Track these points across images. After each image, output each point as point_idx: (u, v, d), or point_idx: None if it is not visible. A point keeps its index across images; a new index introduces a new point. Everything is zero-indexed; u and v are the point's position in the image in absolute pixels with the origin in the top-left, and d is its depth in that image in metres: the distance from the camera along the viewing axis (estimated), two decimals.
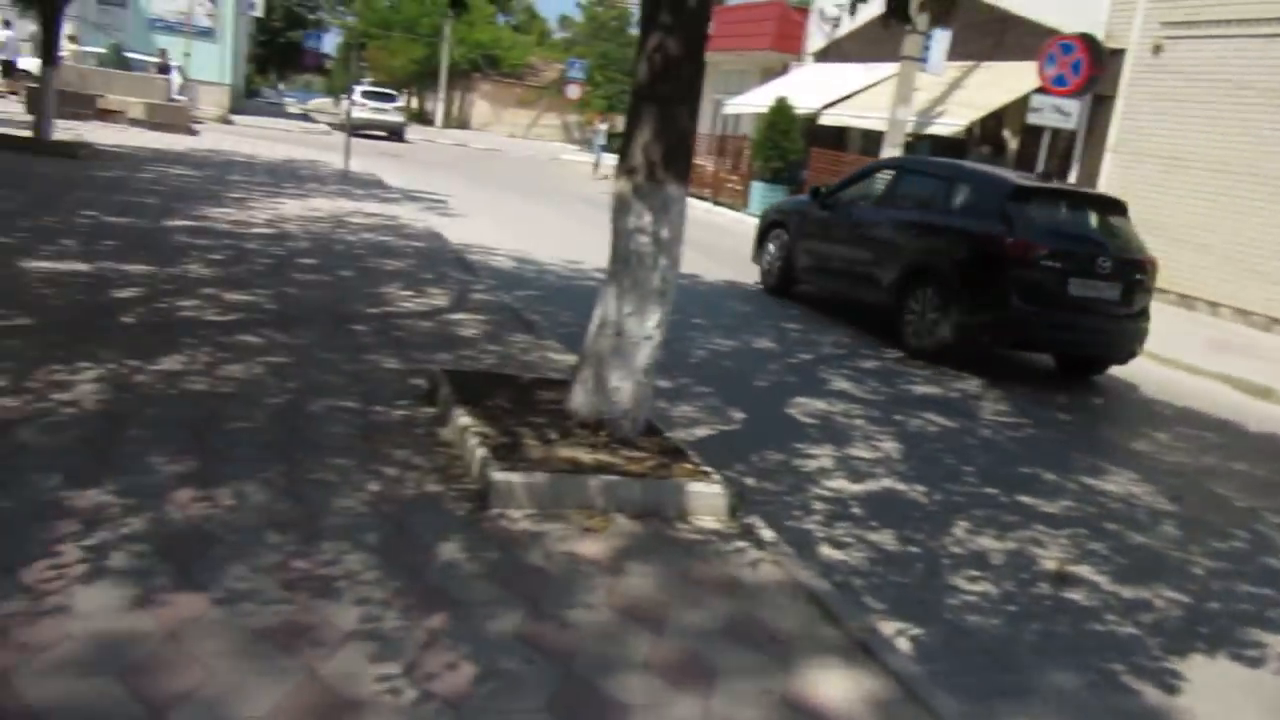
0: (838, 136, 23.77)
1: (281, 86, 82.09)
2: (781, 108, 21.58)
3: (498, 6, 67.11)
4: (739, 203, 22.87)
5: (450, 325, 6.80)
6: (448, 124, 54.99)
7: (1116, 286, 8.51)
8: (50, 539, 3.00)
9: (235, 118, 31.87)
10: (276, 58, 71.26)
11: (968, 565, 4.35)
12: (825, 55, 25.54)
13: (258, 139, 23.61)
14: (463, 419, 4.32)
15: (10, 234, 7.51)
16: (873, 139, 23.89)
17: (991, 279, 8.38)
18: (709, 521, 3.98)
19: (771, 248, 11.26)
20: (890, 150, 17.76)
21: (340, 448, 4.13)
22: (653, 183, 4.35)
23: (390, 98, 37.84)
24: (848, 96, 21.55)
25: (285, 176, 15.37)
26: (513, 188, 20.83)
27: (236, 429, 4.15)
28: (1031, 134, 16.90)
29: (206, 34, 34.91)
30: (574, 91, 42.86)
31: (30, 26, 26.90)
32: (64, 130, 14.49)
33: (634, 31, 67.40)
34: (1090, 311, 8.49)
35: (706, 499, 4.04)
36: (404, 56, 58.28)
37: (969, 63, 19.16)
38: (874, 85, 21.44)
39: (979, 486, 5.52)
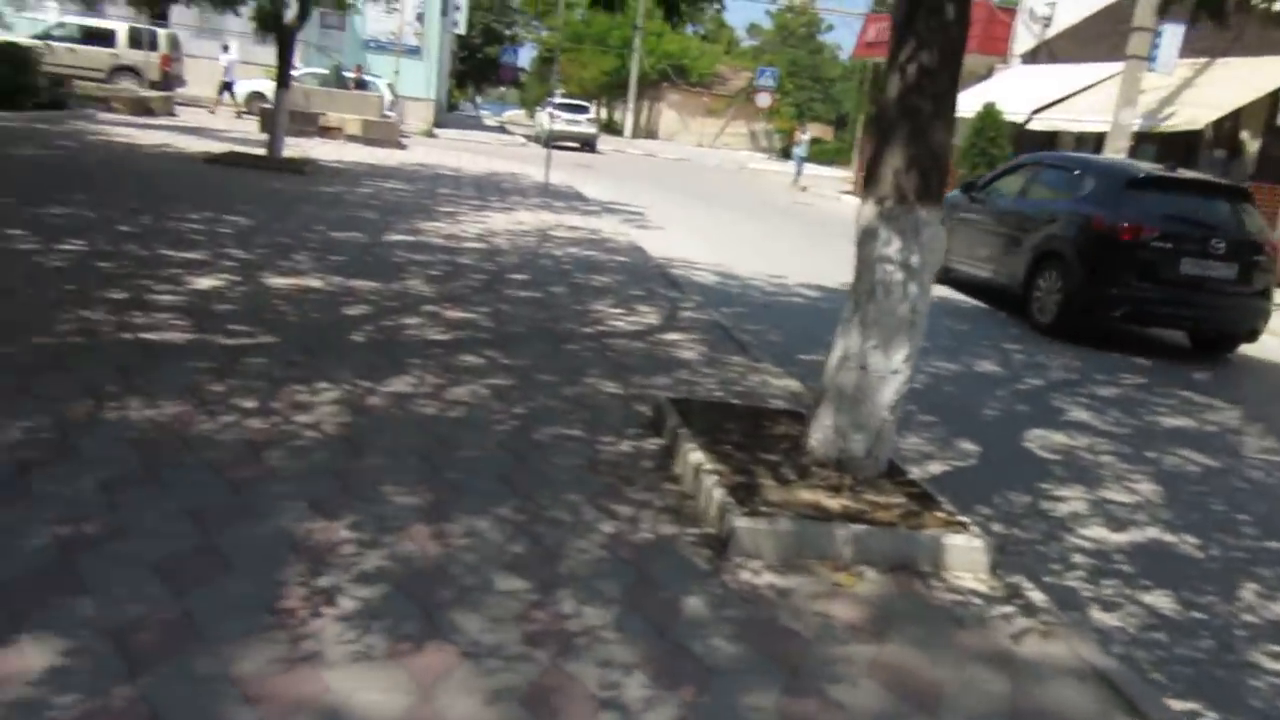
0: (1048, 142, 22.46)
1: (479, 100, 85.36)
2: (989, 113, 20.57)
3: (687, 17, 67.61)
4: None
5: (664, 345, 6.64)
6: (636, 134, 55.65)
7: (1232, 266, 9.27)
8: (300, 574, 2.97)
9: (438, 131, 33.21)
10: (474, 72, 74.27)
11: (1267, 638, 3.79)
12: (1034, 57, 24.22)
13: (460, 152, 24.47)
14: (694, 455, 4.10)
15: (252, 250, 7.88)
16: (1086, 143, 22.48)
17: (1106, 259, 9.31)
18: (967, 579, 3.61)
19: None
20: (1112, 155, 16.56)
21: (570, 481, 3.99)
22: (902, 205, 4.02)
23: (583, 109, 38.57)
24: (1061, 99, 20.31)
25: (490, 190, 15.76)
26: (706, 199, 20.71)
27: (467, 458, 4.08)
28: (1275, 136, 15.40)
29: (414, 52, 36.63)
30: (764, 100, 42.48)
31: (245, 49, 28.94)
32: (291, 147, 15.35)
33: (824, 39, 66.38)
34: (1203, 289, 9.27)
35: (965, 554, 3.66)
36: (595, 68, 59.49)
37: (1201, 59, 17.67)
38: (1091, 87, 20.11)
39: (1260, 540, 4.89)
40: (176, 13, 30.80)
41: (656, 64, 58.20)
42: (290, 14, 14.00)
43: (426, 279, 7.74)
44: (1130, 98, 16.33)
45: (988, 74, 26.03)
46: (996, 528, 4.48)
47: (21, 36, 25.48)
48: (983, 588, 3.57)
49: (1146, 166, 10.77)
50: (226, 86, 27.46)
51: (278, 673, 2.50)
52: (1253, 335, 9.75)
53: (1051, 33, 23.66)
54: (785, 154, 51.10)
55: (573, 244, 10.85)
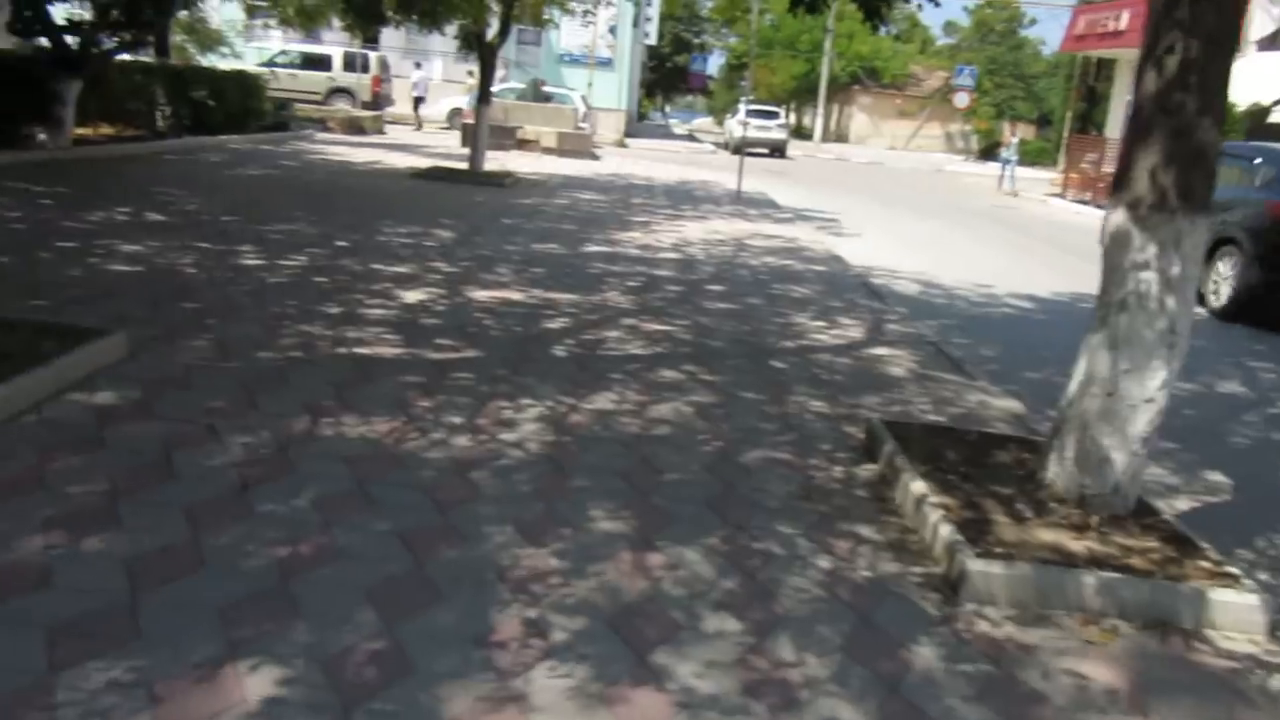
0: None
1: (667, 109, 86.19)
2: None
3: (877, 17, 65.80)
4: None
5: (870, 361, 6.30)
6: (826, 138, 54.69)
7: None
8: (508, 604, 2.87)
9: (629, 141, 33.65)
10: (663, 82, 75.08)
11: None
12: (1274, 42, 22.10)
13: (651, 161, 24.64)
14: (916, 485, 3.79)
15: (456, 262, 8.06)
16: None
17: (1276, 243, 9.54)
18: (1240, 641, 3.14)
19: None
20: None
21: (780, 510, 3.76)
22: (1162, 212, 3.57)
23: (774, 115, 38.17)
24: None
25: (682, 198, 15.71)
26: (902, 204, 19.96)
27: (672, 481, 3.92)
28: None
29: (606, 64, 37.27)
30: (962, 100, 40.85)
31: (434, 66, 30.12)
32: (491, 160, 15.79)
33: (1026, 33, 63.26)
34: None
35: (1237, 612, 3.20)
36: (784, 73, 58.85)
37: None
38: None
39: None
40: (386, 35, 32.51)
41: (847, 67, 57.04)
42: (491, 32, 14.41)
43: (624, 290, 7.69)
44: None
45: None
46: (1261, 576, 3.93)
47: (249, 64, 27.54)
48: (1260, 652, 3.10)
49: None
50: (418, 102, 28.72)
51: (486, 712, 2.39)
52: None
53: None
54: (985, 155, 49.00)
55: (768, 253, 10.60)
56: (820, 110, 55.98)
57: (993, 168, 35.88)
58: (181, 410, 4.04)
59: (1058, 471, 3.80)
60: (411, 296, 6.61)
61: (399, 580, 2.94)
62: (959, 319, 8.67)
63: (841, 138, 57.63)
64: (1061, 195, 25.82)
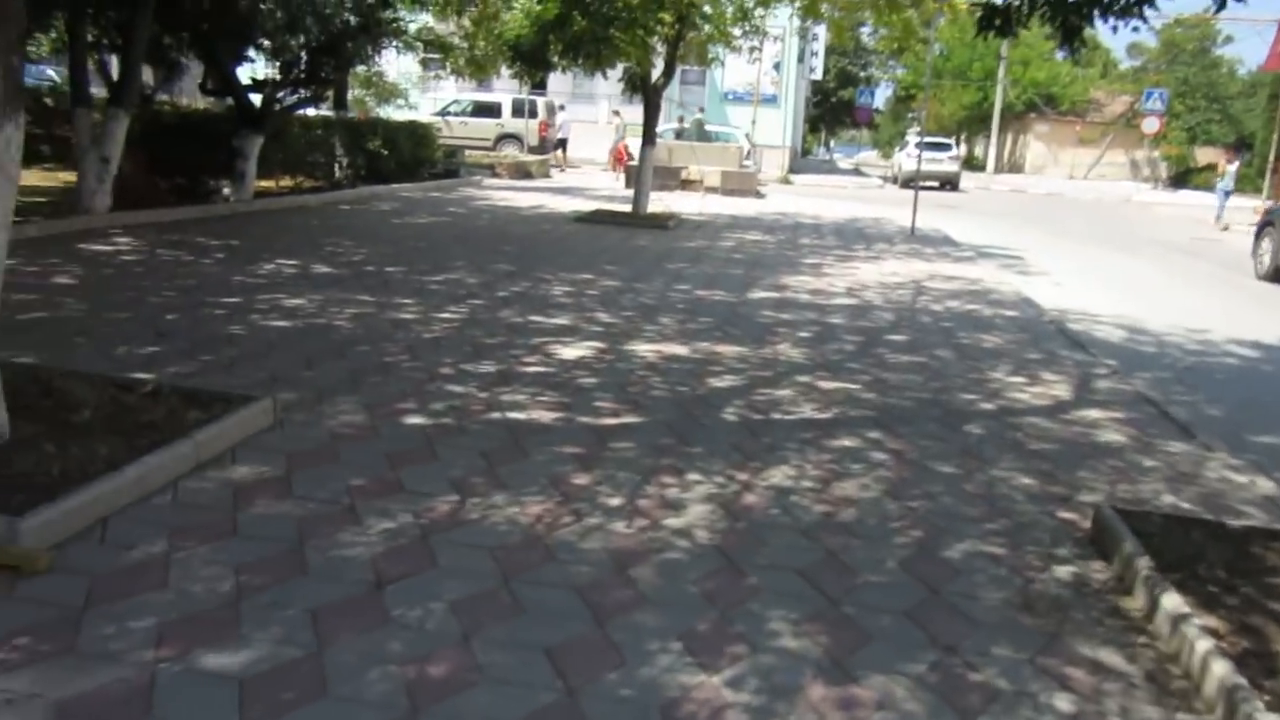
0: None
1: (832, 144, 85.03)
2: None
3: (1077, 39, 62.66)
4: None
5: (1082, 426, 5.51)
6: (999, 169, 52.47)
7: None
8: None
9: (794, 177, 33.03)
10: (827, 116, 74.04)
11: None
12: None
13: (817, 198, 23.96)
14: (1170, 600, 3.08)
15: (617, 313, 7.69)
16: None
17: None
18: None
19: (1265, 242, 13.72)
20: None
21: (999, 626, 3.12)
22: None
23: (945, 147, 36.88)
24: None
25: (852, 237, 15.01)
26: (1089, 238, 18.55)
27: (864, 584, 3.34)
28: None
29: (771, 101, 36.87)
30: (1152, 124, 38.22)
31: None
32: (654, 201, 15.52)
33: (1221, 52, 59.24)
34: None
35: None
36: (954, 103, 56.97)
37: None
38: None
39: None
40: (554, 81, 33.17)
41: (1022, 94, 54.76)
42: (656, 73, 14.19)
43: (796, 342, 7.13)
44: None
45: None
46: None
47: (424, 115, 28.50)
48: None
49: None
50: (561, 144, 28.73)
51: None
52: None
53: None
54: (1176, 182, 45.81)
55: (951, 296, 9.81)
56: (993, 140, 53.85)
57: (1187, 197, 33.42)
58: (322, 488, 3.74)
59: None
60: (570, 352, 6.25)
61: (546, 713, 2.48)
62: (1174, 371, 7.69)
63: (1016, 168, 55.23)
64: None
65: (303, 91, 13.66)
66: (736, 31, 13.75)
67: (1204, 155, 50.50)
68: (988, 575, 3.47)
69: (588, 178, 25.42)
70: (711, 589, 3.20)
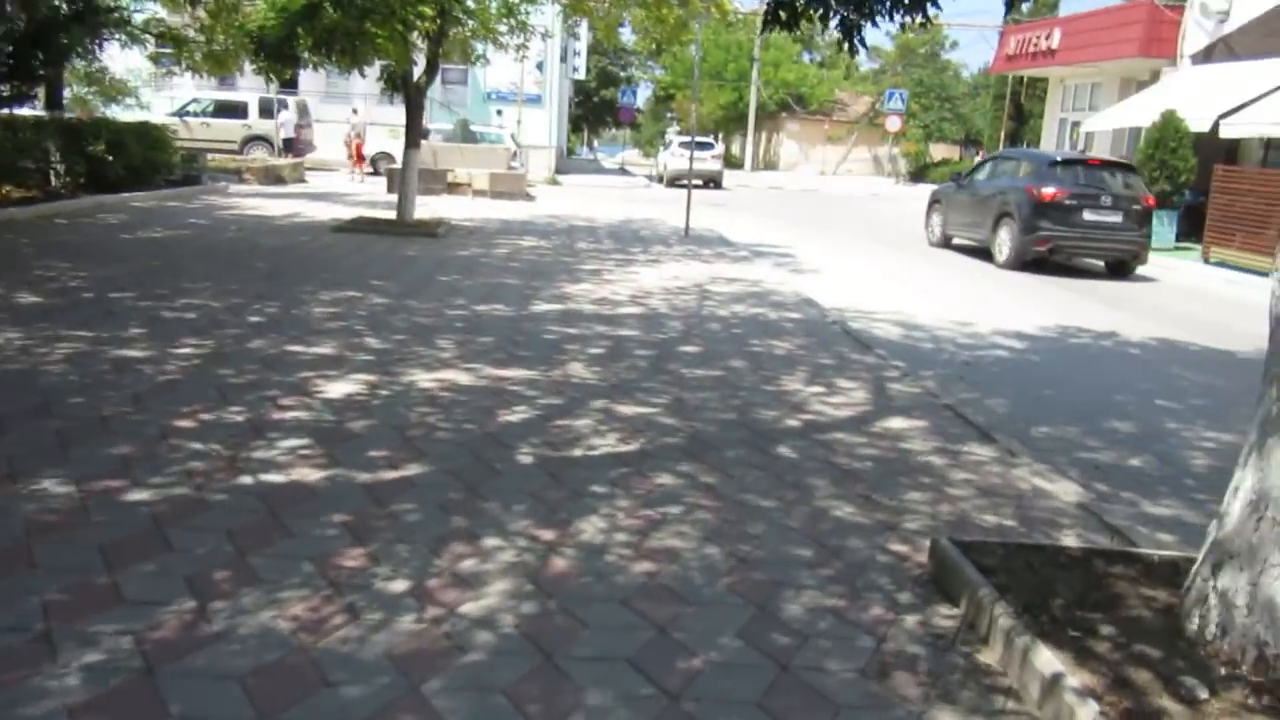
0: (1230, 151, 20.20)
1: (595, 144, 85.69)
2: (1170, 121, 18.49)
3: (858, 38, 65.73)
4: None
5: (889, 439, 5.31)
6: (756, 166, 54.46)
7: (1118, 214, 14.13)
8: None
9: (561, 178, 32.72)
10: (589, 116, 74.48)
11: None
12: (1208, 56, 21.96)
13: (587, 199, 23.69)
14: (1041, 658, 2.77)
15: (389, 336, 6.90)
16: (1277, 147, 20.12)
17: (1038, 213, 14.08)
18: None
19: (934, 218, 17.26)
20: None
21: (860, 705, 2.71)
22: None
23: (708, 146, 37.63)
24: (1253, 101, 18.11)
25: (629, 239, 14.74)
26: (848, 233, 19.19)
27: (705, 668, 2.85)
28: None
29: (535, 100, 36.36)
30: (894, 123, 40.72)
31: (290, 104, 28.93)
32: (421, 206, 14.63)
33: (949, 56, 64.03)
34: (1101, 229, 14.05)
35: None
36: (711, 103, 58.64)
37: None
38: None
39: None
40: (305, 79, 31.24)
41: (774, 95, 57.10)
42: (418, 72, 13.34)
43: (587, 361, 6.62)
44: None
45: (1153, 79, 23.89)
46: None
47: (159, 115, 26.05)
48: None
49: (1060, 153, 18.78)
50: (288, 144, 26.81)
51: None
52: (1137, 260, 14.56)
53: (1230, 27, 21.43)
54: (915, 178, 49.01)
55: (735, 300, 9.63)
56: (750, 139, 55.82)
57: (927, 190, 35.63)
58: (5, 610, 2.86)
59: (1219, 622, 2.82)
60: (337, 389, 5.46)
61: None
62: (955, 367, 7.78)
63: (771, 165, 57.51)
64: None
65: (10, 86, 11.87)
66: (502, 28, 13.11)
67: (938, 151, 54.47)
68: (835, 638, 3.07)
69: (350, 184, 23.99)
70: (528, 700, 2.61)
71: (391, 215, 14.04)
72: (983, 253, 15.38)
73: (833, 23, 6.88)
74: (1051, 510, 4.37)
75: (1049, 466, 5.06)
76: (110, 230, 11.80)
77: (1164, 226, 18.76)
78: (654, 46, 68.35)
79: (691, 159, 17.03)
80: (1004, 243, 14.67)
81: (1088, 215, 13.91)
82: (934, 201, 17.53)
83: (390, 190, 20.36)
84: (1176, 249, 18.48)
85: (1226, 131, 18.18)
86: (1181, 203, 18.81)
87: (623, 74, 75.75)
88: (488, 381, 5.86)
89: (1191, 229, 19.13)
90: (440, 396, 5.44)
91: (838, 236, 18.28)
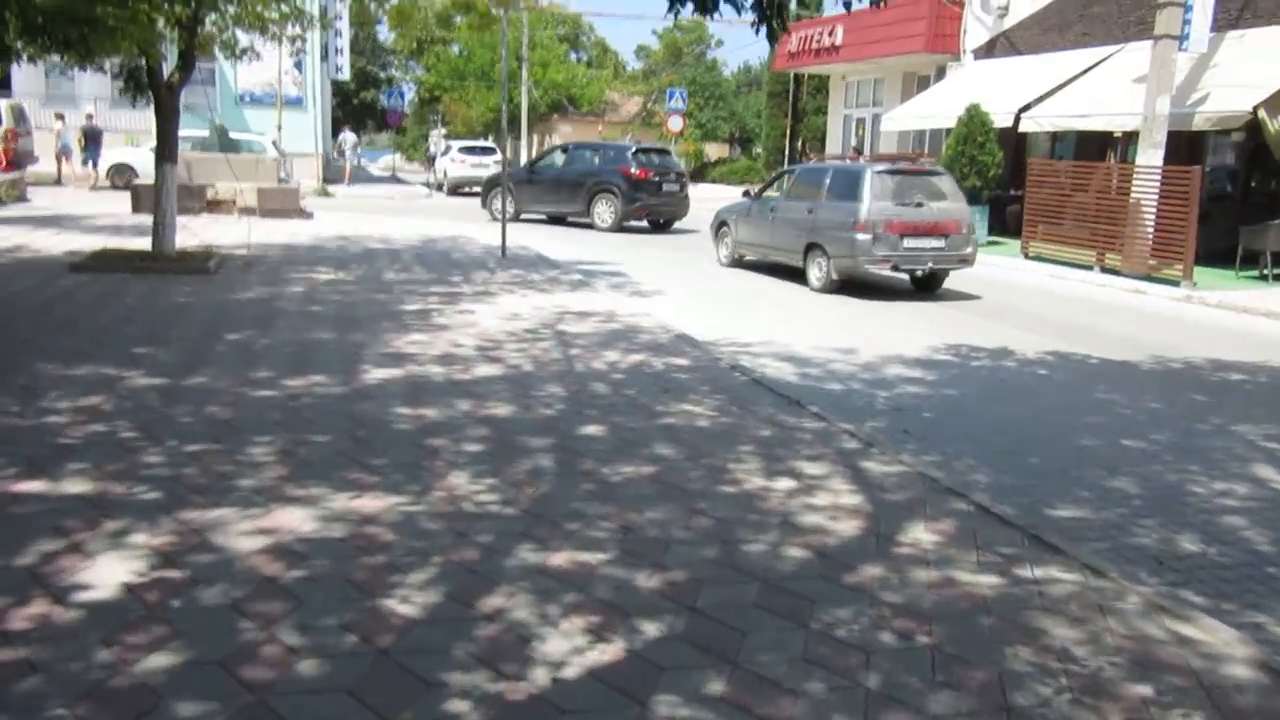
0: (1018, 145, 20.48)
1: (360, 149, 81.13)
2: (976, 116, 18.35)
3: (779, 22, 64.62)
4: None
5: (927, 561, 3.86)
6: None
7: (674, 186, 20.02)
8: None
9: (332, 188, 29.87)
10: (349, 120, 70.36)
11: None
12: (990, 50, 22.31)
13: (369, 212, 21.32)
14: None
15: (176, 451, 4.76)
16: (1067, 143, 20.58)
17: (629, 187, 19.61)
18: None
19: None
20: (1149, 151, 14.51)
21: None
22: None
23: (489, 150, 35.68)
24: (1048, 94, 18.25)
25: (442, 265, 12.73)
26: (657, 244, 17.91)
27: None
28: None
29: (296, 103, 33.13)
30: (677, 123, 40.02)
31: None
32: (180, 229, 11.91)
33: (714, 55, 64.88)
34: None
35: None
36: (480, 105, 56.50)
37: (1227, 33, 15.82)
38: (1078, 78, 18.16)
39: None
40: (23, 79, 26.81)
41: (544, 96, 55.78)
42: (168, 69, 10.82)
43: (470, 465, 4.78)
44: (1166, 84, 14.28)
45: (938, 74, 24.13)
46: None
47: None
48: None
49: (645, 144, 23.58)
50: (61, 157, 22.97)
51: None
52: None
53: (1010, 23, 21.80)
54: (695, 177, 48.88)
55: (603, 344, 7.99)
56: (524, 141, 54.17)
57: (709, 190, 35.17)
58: None
59: None
60: (101, 577, 3.39)
61: None
62: (886, 418, 6.51)
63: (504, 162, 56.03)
64: None
65: None
66: (273, 14, 10.78)
67: (714, 151, 54.80)
68: None
69: (85, 202, 20.38)
70: None
71: (146, 245, 11.41)
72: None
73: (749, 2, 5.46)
74: (1240, 684, 3.02)
75: (1160, 590, 3.77)
76: None
77: (976, 223, 18.69)
78: (414, 45, 65.31)
79: (496, 164, 15.16)
80: (606, 213, 19.43)
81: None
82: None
83: (137, 210, 17.29)
84: (990, 244, 18.41)
85: (1027, 125, 18.27)
86: (989, 198, 18.76)
87: (382, 74, 72.18)
88: (342, 527, 3.93)
89: (996, 223, 19.24)
90: (275, 577, 3.47)
91: (651, 251, 16.91)
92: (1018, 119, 18.27)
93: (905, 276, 12.77)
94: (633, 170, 19.53)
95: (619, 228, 19.33)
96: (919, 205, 12.14)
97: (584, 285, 11.39)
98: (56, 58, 9.82)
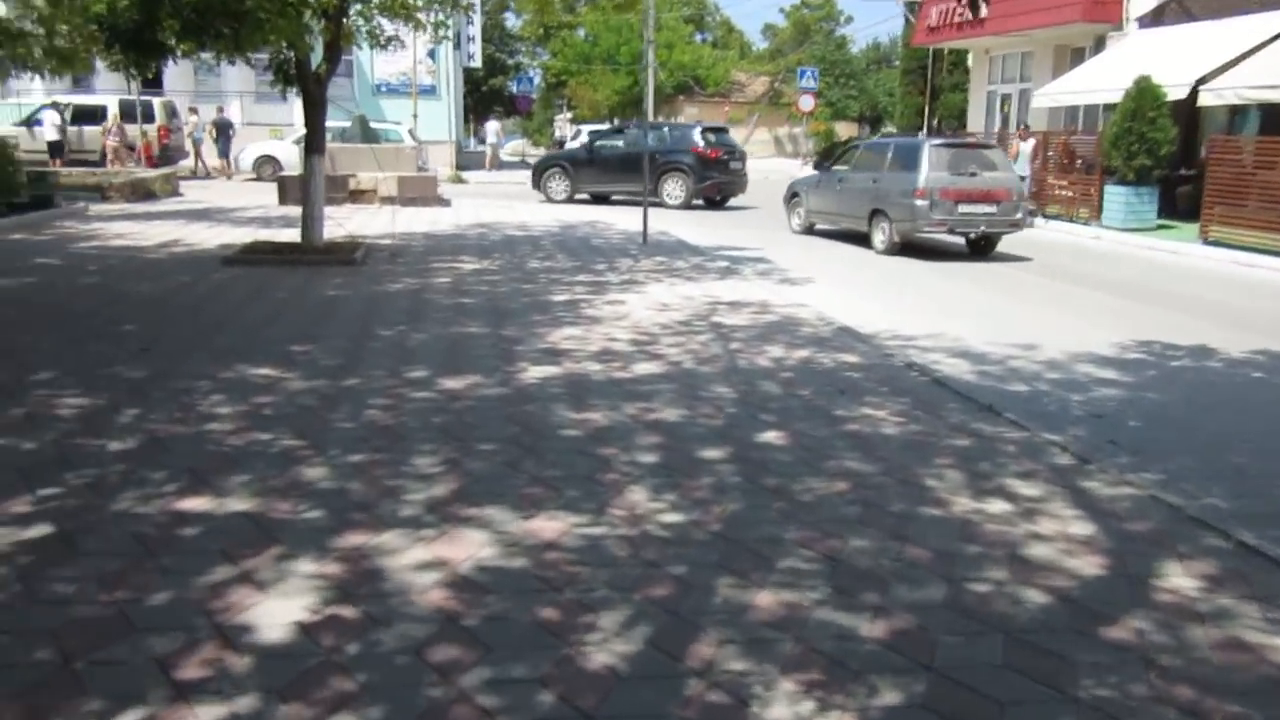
0: (1190, 120, 18.92)
1: (499, 135, 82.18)
2: (1146, 89, 17.00)
3: (695, 25, 64.16)
4: (1079, 213, 18.45)
5: (1146, 588, 3.28)
6: None
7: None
8: None
9: (466, 175, 30.11)
10: (478, 107, 71.29)
11: None
12: (1159, 17, 20.71)
13: (504, 198, 21.25)
14: None
15: (337, 461, 4.51)
16: (1247, 116, 18.93)
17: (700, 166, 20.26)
18: None
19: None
20: None
21: None
22: None
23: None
24: (1232, 63, 16.76)
25: (583, 252, 12.45)
26: (726, 220, 17.21)
27: None
28: None
29: (429, 92, 33.57)
30: (808, 102, 39.00)
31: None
32: (327, 222, 11.97)
33: (844, 32, 63.13)
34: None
35: None
36: (606, 88, 56.40)
37: None
38: (1265, 45, 16.60)
39: None
40: (173, 78, 27.86)
41: (670, 78, 55.25)
42: (316, 60, 10.80)
43: (647, 479, 4.39)
44: None
45: (1096, 46, 22.59)
46: None
47: (3, 125, 22.62)
48: None
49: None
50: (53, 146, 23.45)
51: None
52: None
53: None
54: (825, 158, 47.73)
55: (762, 337, 7.51)
56: (650, 122, 53.63)
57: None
58: None
59: None
60: (276, 616, 3.12)
61: None
62: (1084, 423, 5.86)
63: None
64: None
65: None
66: (418, 1, 10.61)
67: (844, 130, 53.37)
68: None
69: (223, 192, 20.98)
70: None
71: (294, 237, 11.47)
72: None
73: None
74: None
75: None
76: None
77: (1143, 204, 17.38)
78: (541, 31, 65.54)
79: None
80: (677, 191, 19.86)
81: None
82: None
83: (283, 201, 17.62)
84: (1160, 228, 17.10)
85: (1206, 98, 16.84)
86: (1159, 178, 17.40)
87: (510, 61, 72.94)
88: (522, 555, 3.58)
89: (1166, 206, 17.85)
90: (457, 616, 3.13)
91: (784, 229, 16.34)
92: (1195, 92, 16.86)
93: (960, 240, 14.01)
94: (703, 149, 19.99)
95: (688, 205, 19.66)
96: (973, 175, 13.20)
97: (731, 273, 10.92)
98: (206, 55, 9.87)
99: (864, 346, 7.39)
